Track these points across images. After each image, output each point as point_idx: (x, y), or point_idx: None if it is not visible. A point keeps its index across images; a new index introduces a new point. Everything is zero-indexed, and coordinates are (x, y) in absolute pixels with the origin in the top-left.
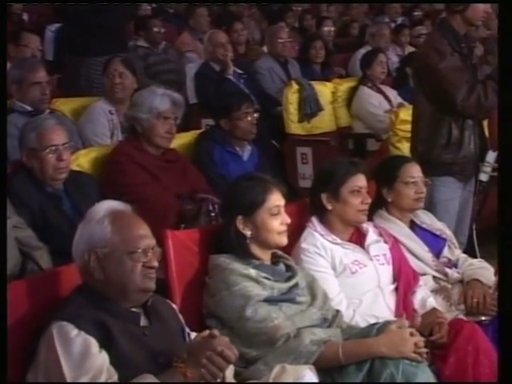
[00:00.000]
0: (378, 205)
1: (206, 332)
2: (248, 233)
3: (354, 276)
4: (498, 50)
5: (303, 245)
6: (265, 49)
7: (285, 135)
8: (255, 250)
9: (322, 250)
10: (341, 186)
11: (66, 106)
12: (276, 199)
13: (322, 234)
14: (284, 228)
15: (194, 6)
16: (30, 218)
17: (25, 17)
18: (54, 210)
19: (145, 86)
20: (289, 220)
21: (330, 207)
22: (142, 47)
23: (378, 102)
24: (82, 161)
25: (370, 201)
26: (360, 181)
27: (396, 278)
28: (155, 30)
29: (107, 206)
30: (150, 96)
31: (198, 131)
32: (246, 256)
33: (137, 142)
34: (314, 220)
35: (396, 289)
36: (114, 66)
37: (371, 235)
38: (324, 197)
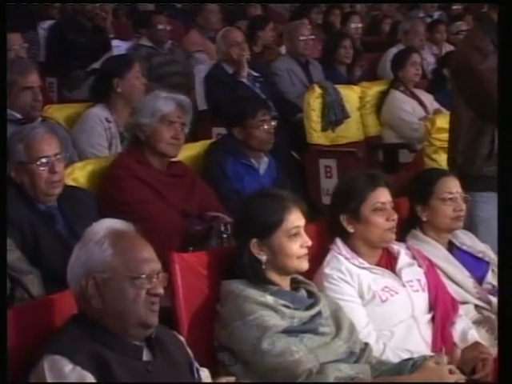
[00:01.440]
0: (411, 224)
1: (223, 381)
2: (263, 258)
3: (385, 304)
4: (498, 49)
5: (327, 270)
6: (283, 49)
7: (306, 146)
8: (272, 275)
9: (348, 275)
10: (360, 204)
11: (59, 113)
12: (295, 219)
13: (347, 258)
14: (304, 251)
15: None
16: (20, 239)
17: None
18: (47, 230)
19: (149, 91)
20: (310, 242)
21: (351, 229)
22: (145, 46)
23: (411, 108)
24: (78, 174)
25: (396, 217)
26: (382, 196)
27: (432, 307)
28: (160, 27)
29: (107, 225)
30: (153, 99)
31: (208, 141)
32: (262, 282)
33: (139, 154)
34: (339, 242)
35: (432, 319)
36: (137, 67)
37: (403, 258)
38: (343, 218)
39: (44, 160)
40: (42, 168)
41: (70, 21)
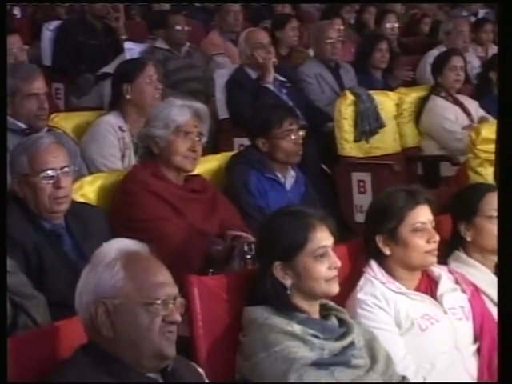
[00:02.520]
0: (454, 245)
1: None
2: (288, 282)
3: (425, 334)
4: (498, 49)
5: (360, 295)
6: (311, 51)
7: (337, 158)
8: (299, 301)
9: (384, 301)
10: (398, 224)
11: (67, 122)
12: (321, 238)
13: (382, 282)
14: (333, 274)
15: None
16: (23, 261)
17: (16, 12)
18: (53, 251)
19: (164, 98)
20: (339, 263)
21: (388, 252)
22: (161, 49)
23: (454, 116)
24: (88, 190)
25: (438, 238)
26: (422, 214)
27: (478, 337)
28: (178, 28)
29: (119, 246)
30: (167, 108)
31: (230, 153)
32: (288, 309)
33: (154, 167)
34: (373, 264)
35: (478, 350)
36: (149, 71)
37: (445, 283)
38: (379, 239)
39: (49, 173)
40: (45, 182)
41: (79, 21)
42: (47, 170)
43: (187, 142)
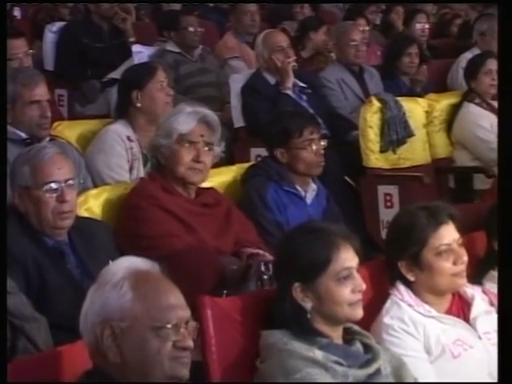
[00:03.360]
0: (488, 264)
1: None
2: (308, 305)
3: (457, 361)
4: (498, 49)
5: (386, 319)
6: (333, 55)
7: (362, 170)
8: (320, 325)
9: (412, 326)
10: (421, 249)
11: (71, 131)
12: (346, 258)
13: (410, 305)
14: (357, 297)
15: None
16: (23, 280)
17: (16, 13)
18: (56, 270)
19: (175, 105)
20: (364, 286)
21: (412, 278)
22: (172, 53)
23: (489, 124)
24: (93, 204)
25: (466, 258)
26: (447, 235)
27: None
28: (190, 29)
29: (127, 264)
30: (173, 115)
31: (246, 165)
32: (308, 333)
33: (163, 179)
34: (400, 286)
35: None
36: (160, 76)
37: (479, 305)
38: (402, 265)
39: (53, 186)
40: (49, 195)
41: (84, 22)
42: (51, 182)
43: (192, 152)
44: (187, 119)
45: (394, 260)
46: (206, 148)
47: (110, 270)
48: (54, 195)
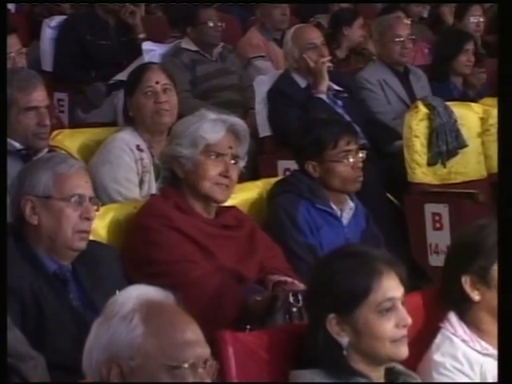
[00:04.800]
0: None
1: None
2: (345, 340)
3: None
4: (497, 49)
5: (436, 357)
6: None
7: (407, 186)
8: (358, 363)
9: (466, 364)
10: (492, 263)
11: (72, 140)
12: (388, 288)
13: (465, 341)
14: (401, 333)
15: None
16: (19, 312)
17: (10, 6)
18: (56, 300)
19: (191, 111)
20: (409, 320)
21: (476, 297)
22: (188, 51)
23: None
24: (97, 225)
25: None
26: None
27: None
28: (210, 24)
29: (137, 294)
30: (196, 122)
31: (273, 180)
32: (344, 373)
33: (178, 196)
34: (453, 318)
35: None
36: (155, 76)
37: None
38: (466, 281)
39: (78, 199)
40: (73, 209)
41: (87, 16)
42: (78, 195)
43: (219, 165)
44: (214, 127)
45: (457, 276)
46: (233, 161)
47: (117, 300)
48: (78, 210)
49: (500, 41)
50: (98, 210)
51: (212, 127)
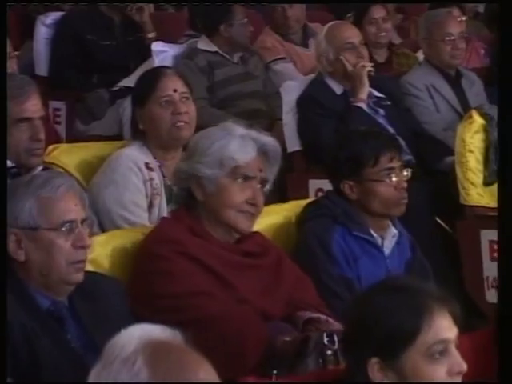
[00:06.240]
0: None
1: None
2: None
3: None
4: (498, 49)
5: None
6: (420, 54)
7: (460, 208)
8: None
9: None
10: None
11: (70, 156)
12: (441, 328)
13: None
14: (456, 380)
15: None
16: (9, 353)
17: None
18: (51, 341)
19: (208, 122)
20: (464, 366)
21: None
22: (206, 52)
23: None
24: (100, 253)
25: None
26: None
27: None
28: (238, 21)
29: (139, 334)
30: (222, 138)
31: (304, 202)
32: None
33: (192, 219)
34: None
35: None
36: (172, 83)
37: None
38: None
39: (70, 226)
40: (65, 238)
41: (88, 12)
42: (69, 221)
43: (246, 191)
44: (245, 147)
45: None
46: (260, 185)
47: (118, 341)
48: (71, 239)
49: (500, 40)
50: (91, 232)
51: (242, 146)
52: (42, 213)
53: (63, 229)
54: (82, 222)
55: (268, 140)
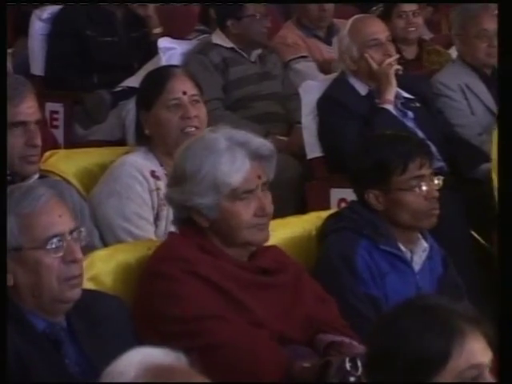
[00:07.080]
0: None
1: None
2: None
3: None
4: (498, 49)
5: None
6: (453, 51)
7: (497, 221)
8: None
9: None
10: None
11: (69, 163)
12: (474, 352)
13: None
14: None
15: None
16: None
17: None
18: (48, 366)
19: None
20: None
21: None
22: (220, 47)
23: None
24: (101, 270)
25: None
26: None
27: None
28: (258, 17)
29: (139, 358)
30: (207, 158)
31: (325, 213)
32: None
33: (203, 236)
34: None
35: None
36: (182, 85)
37: None
38: None
39: (56, 242)
40: (53, 255)
41: (87, 6)
42: (54, 236)
43: (251, 205)
44: (234, 162)
45: None
46: (264, 190)
47: (116, 367)
48: (60, 254)
49: (500, 41)
50: (86, 242)
51: (232, 163)
52: (24, 231)
53: (49, 246)
54: (72, 232)
55: (259, 142)
